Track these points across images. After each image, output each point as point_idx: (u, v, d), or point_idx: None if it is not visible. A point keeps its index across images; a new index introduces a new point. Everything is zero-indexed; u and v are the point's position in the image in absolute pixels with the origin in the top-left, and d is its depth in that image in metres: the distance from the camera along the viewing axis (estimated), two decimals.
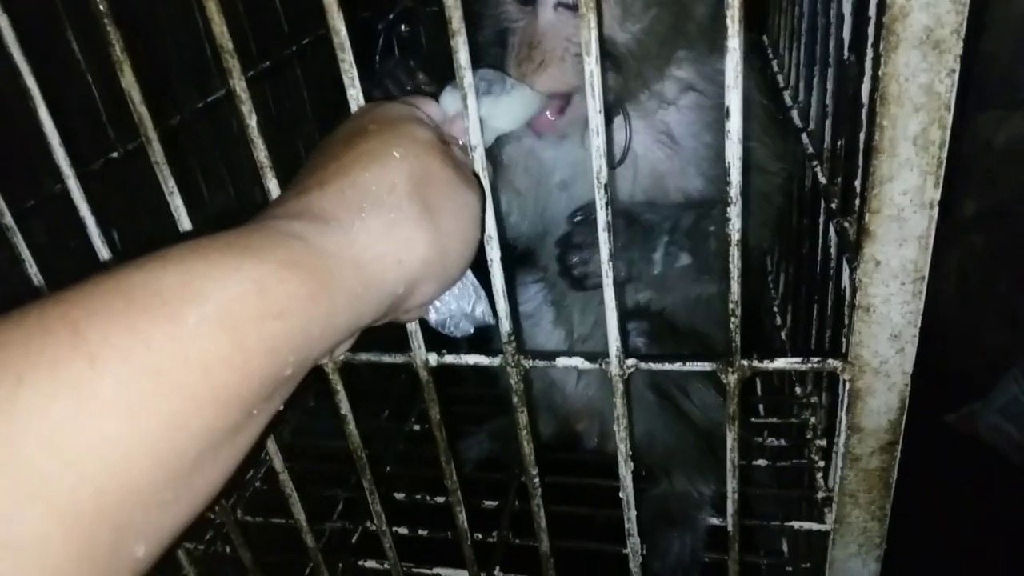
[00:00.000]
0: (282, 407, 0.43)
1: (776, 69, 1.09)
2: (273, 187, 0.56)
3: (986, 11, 1.84)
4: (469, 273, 0.58)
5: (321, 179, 0.46)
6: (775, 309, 1.18)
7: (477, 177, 0.53)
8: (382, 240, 0.45)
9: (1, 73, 0.94)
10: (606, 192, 0.52)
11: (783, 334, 1.13)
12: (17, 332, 0.33)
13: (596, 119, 0.49)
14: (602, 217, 0.53)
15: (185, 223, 0.61)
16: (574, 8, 0.71)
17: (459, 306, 0.57)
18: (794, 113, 0.95)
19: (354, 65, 0.50)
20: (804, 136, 0.89)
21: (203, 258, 0.38)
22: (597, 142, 0.50)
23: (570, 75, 0.71)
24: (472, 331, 0.60)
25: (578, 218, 0.74)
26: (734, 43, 0.45)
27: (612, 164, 0.80)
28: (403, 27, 1.73)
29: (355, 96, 0.53)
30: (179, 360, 0.35)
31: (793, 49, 0.99)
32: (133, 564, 0.35)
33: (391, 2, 1.67)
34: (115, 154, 1.05)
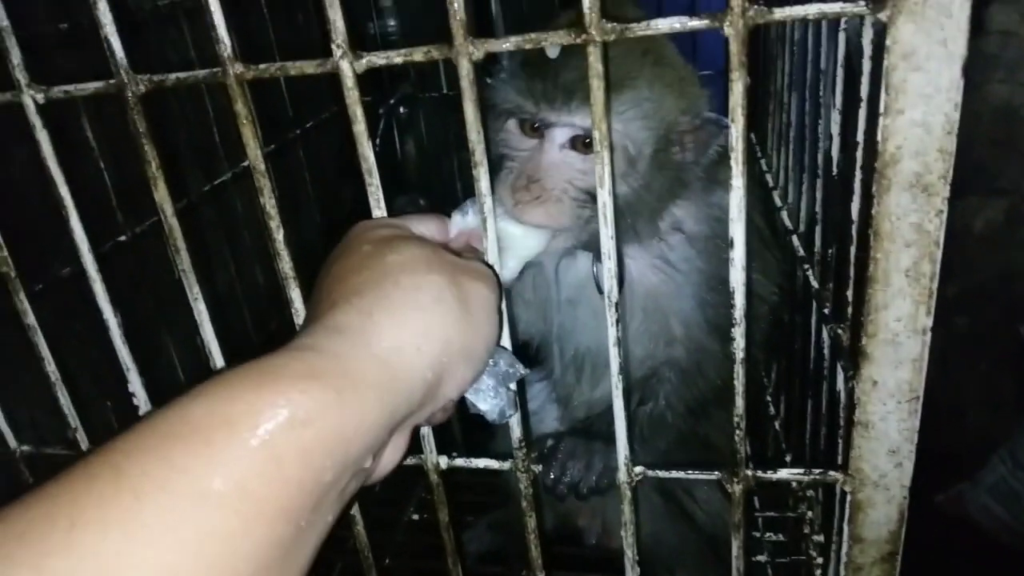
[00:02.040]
0: (333, 519, 0.43)
1: (764, 168, 1.14)
2: (296, 297, 0.58)
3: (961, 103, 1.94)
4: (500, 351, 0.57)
5: (332, 302, 0.49)
6: (768, 398, 1.20)
7: (494, 273, 0.55)
8: (396, 332, 0.47)
9: (16, 162, 0.97)
10: (616, 311, 0.54)
11: (776, 424, 1.15)
12: (66, 482, 0.35)
13: (608, 244, 0.52)
14: (613, 333, 0.55)
15: (217, 359, 0.62)
16: (581, 150, 0.74)
17: (496, 382, 0.56)
18: (784, 214, 0.99)
19: (380, 188, 0.53)
20: (794, 238, 0.93)
21: (226, 386, 0.40)
22: (609, 264, 0.53)
23: (564, 215, 0.73)
24: (513, 412, 0.59)
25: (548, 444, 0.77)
26: (738, 182, 0.48)
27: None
28: (402, 110, 1.79)
29: (380, 215, 0.55)
30: (217, 481, 0.36)
31: (782, 153, 1.04)
32: None
33: (392, 86, 1.74)
34: (123, 237, 1.07)
